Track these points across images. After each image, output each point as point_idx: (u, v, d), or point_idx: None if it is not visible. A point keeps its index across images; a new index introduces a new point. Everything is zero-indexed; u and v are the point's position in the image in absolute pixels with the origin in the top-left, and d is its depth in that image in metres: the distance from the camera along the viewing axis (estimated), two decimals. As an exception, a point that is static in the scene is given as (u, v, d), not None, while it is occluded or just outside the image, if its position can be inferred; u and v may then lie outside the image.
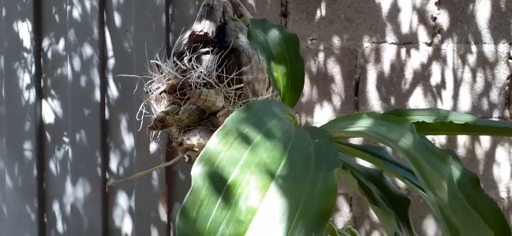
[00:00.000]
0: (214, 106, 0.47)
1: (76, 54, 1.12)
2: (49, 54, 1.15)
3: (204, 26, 0.49)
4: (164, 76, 0.49)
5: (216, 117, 0.47)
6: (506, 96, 1.14)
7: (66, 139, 1.15)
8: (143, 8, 1.10)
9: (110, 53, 1.14)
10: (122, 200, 1.15)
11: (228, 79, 0.48)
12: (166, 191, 1.13)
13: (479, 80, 1.14)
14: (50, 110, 1.15)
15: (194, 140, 0.46)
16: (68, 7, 1.11)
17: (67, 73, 1.12)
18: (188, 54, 0.49)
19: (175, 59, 0.50)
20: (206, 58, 0.49)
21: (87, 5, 1.11)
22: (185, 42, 0.50)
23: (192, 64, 0.48)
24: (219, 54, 0.48)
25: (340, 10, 1.14)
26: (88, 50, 1.12)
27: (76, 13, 1.11)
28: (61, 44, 1.14)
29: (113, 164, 1.15)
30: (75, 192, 1.13)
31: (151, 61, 0.51)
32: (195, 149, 0.47)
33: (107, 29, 1.13)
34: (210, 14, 0.49)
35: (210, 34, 0.49)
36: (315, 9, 1.14)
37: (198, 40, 0.49)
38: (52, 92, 1.15)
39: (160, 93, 0.48)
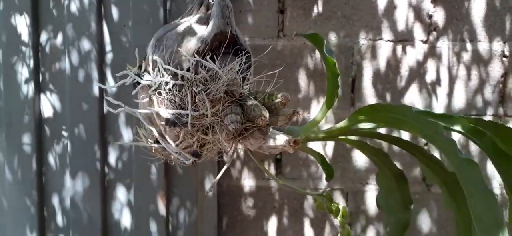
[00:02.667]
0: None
1: (74, 48, 1.12)
2: (47, 48, 1.15)
3: (231, 27, 0.50)
4: (206, 77, 0.48)
5: (274, 117, 0.49)
6: (500, 93, 1.16)
7: (65, 133, 1.16)
8: (141, 2, 1.10)
9: (108, 47, 1.14)
10: (121, 194, 1.17)
11: (253, 80, 0.49)
12: (164, 185, 1.14)
13: (473, 78, 1.16)
14: (48, 104, 1.16)
15: (283, 139, 0.48)
16: (66, 1, 1.11)
17: (66, 67, 1.13)
18: (210, 53, 0.50)
19: (204, 59, 0.49)
20: (228, 59, 0.50)
21: (85, -1, 1.11)
22: (196, 41, 0.50)
23: (232, 66, 0.49)
24: (246, 56, 0.50)
25: (337, 7, 1.15)
26: (86, 44, 1.12)
27: (74, 7, 1.11)
28: (59, 38, 1.14)
29: (112, 158, 1.16)
30: (74, 186, 1.14)
31: (190, 58, 0.49)
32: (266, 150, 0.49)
33: (105, 23, 1.14)
34: (232, 16, 0.50)
35: (236, 36, 0.50)
36: (312, 6, 1.15)
37: (223, 41, 0.50)
38: (51, 86, 1.16)
39: (214, 95, 0.47)
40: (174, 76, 0.49)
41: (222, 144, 0.50)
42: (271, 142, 0.50)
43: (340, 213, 0.62)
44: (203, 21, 0.53)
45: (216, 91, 0.47)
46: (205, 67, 0.48)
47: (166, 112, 0.49)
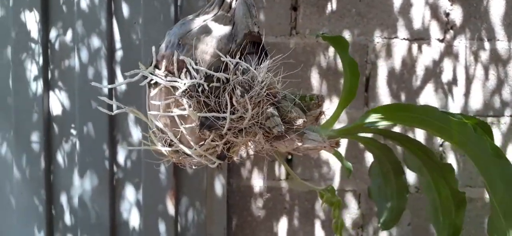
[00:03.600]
0: None
1: (84, 46, 1.11)
2: (57, 45, 1.14)
3: (257, 27, 0.49)
4: (245, 79, 0.46)
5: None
6: (518, 94, 1.13)
7: (73, 131, 1.14)
8: (152, -1, 1.09)
9: (118, 45, 1.13)
10: (130, 193, 1.15)
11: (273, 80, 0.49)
12: (173, 185, 1.12)
13: (491, 78, 1.12)
14: (57, 102, 1.14)
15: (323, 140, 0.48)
16: (76, -2, 1.10)
17: (75, 64, 1.11)
18: (239, 54, 0.48)
19: (237, 60, 0.48)
20: (250, 59, 0.49)
21: (95, -4, 1.09)
22: (225, 40, 0.49)
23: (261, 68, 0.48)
24: (267, 56, 0.49)
25: (351, 4, 1.12)
26: (95, 42, 1.10)
27: (84, 3, 1.10)
28: (69, 35, 1.13)
29: (121, 157, 1.14)
30: (82, 185, 1.13)
31: (228, 60, 0.47)
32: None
33: (115, 20, 1.12)
34: (257, 15, 0.49)
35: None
36: (325, 3, 1.13)
37: (252, 41, 0.49)
38: (60, 83, 1.14)
39: (256, 98, 0.46)
40: (207, 77, 0.47)
41: (261, 146, 0.49)
42: (309, 144, 0.50)
43: (336, 204, 0.64)
44: (228, 20, 0.51)
45: (260, 92, 0.45)
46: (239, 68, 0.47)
47: (202, 115, 0.47)
